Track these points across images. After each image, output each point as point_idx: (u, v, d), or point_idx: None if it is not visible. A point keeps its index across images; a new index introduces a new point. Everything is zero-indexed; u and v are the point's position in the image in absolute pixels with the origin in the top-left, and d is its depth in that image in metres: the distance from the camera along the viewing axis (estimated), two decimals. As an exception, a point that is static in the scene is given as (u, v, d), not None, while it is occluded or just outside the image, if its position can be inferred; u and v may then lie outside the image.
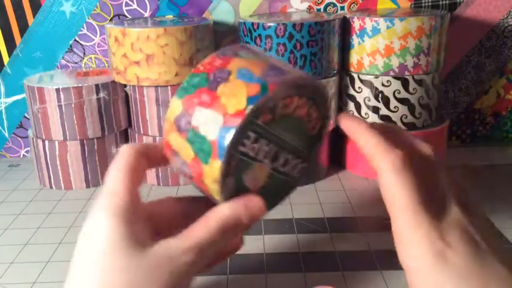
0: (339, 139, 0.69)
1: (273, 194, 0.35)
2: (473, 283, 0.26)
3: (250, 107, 0.29)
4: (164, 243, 0.28)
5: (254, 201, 0.32)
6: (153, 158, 0.33)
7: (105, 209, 0.29)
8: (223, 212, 0.30)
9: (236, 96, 0.30)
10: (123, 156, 0.32)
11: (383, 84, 0.62)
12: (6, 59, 0.73)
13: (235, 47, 0.33)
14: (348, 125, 0.33)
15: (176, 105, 0.31)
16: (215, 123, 0.30)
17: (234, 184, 0.32)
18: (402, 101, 0.63)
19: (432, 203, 0.29)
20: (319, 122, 0.35)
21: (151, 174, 0.66)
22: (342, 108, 0.67)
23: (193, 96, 0.31)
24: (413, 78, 0.62)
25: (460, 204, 0.30)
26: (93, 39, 0.72)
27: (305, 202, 0.59)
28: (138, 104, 0.64)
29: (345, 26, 0.64)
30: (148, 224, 0.30)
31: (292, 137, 0.35)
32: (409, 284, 0.27)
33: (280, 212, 0.56)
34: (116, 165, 0.32)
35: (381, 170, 0.30)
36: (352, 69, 0.65)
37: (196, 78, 0.31)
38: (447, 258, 0.26)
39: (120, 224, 0.28)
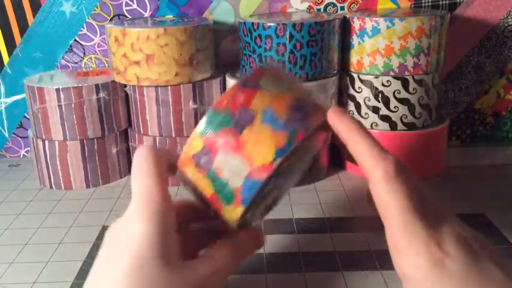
0: (339, 139, 0.69)
1: (269, 208, 0.38)
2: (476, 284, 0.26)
3: (278, 161, 0.29)
4: (194, 266, 0.29)
5: (262, 235, 0.35)
6: (172, 166, 0.33)
7: (143, 217, 0.28)
8: (246, 242, 0.33)
9: (263, 146, 0.29)
10: (149, 158, 0.31)
11: (383, 84, 0.62)
12: (6, 59, 0.73)
13: (257, 73, 0.31)
14: (338, 123, 0.32)
15: (197, 142, 0.31)
16: (239, 172, 0.30)
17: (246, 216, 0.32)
18: (402, 101, 0.63)
19: (426, 210, 0.29)
20: (324, 140, 0.36)
21: (151, 174, 0.66)
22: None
23: (217, 135, 0.30)
24: (413, 78, 0.62)
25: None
26: (93, 39, 0.72)
27: (305, 202, 0.59)
28: (138, 104, 0.64)
29: (345, 26, 0.64)
30: (177, 236, 0.31)
31: (301, 163, 0.35)
32: None
33: (280, 212, 0.56)
34: (143, 167, 0.30)
35: (373, 177, 0.29)
36: (352, 69, 0.65)
37: (220, 115, 0.30)
38: (445, 265, 0.26)
39: (157, 236, 0.28)
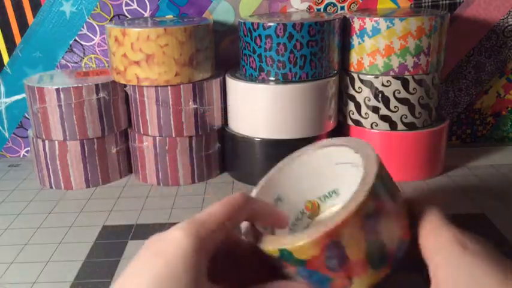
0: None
1: None
2: (493, 263, 0.28)
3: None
4: None
5: None
6: (262, 218, 0.34)
7: (188, 230, 0.29)
8: None
9: None
10: (236, 198, 0.32)
11: (383, 84, 0.62)
12: (6, 59, 0.73)
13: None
14: None
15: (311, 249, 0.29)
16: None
17: None
18: (402, 101, 0.63)
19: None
20: None
21: (150, 173, 0.66)
22: (341, 108, 0.67)
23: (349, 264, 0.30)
24: (413, 78, 0.62)
25: None
26: (93, 39, 0.72)
27: (305, 202, 0.59)
28: (138, 104, 0.64)
29: (345, 26, 0.64)
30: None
31: None
32: (438, 278, 0.29)
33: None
34: (224, 202, 0.32)
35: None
36: (352, 69, 0.65)
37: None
38: (467, 246, 0.29)
39: (193, 251, 0.28)
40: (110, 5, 0.70)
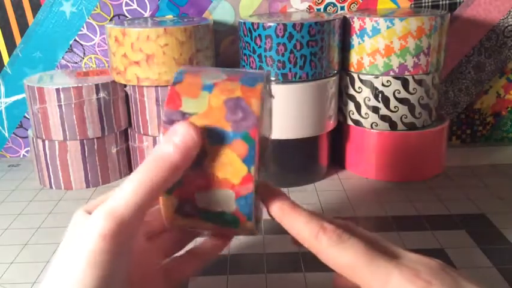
0: (339, 139, 0.69)
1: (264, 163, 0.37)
2: None
3: (252, 169, 0.28)
4: None
5: (227, 243, 0.36)
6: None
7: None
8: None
9: (230, 166, 0.28)
10: (161, 166, 0.27)
11: (383, 84, 0.62)
12: (6, 59, 0.73)
13: (174, 97, 0.29)
14: (282, 218, 0.31)
15: (170, 202, 0.29)
16: (227, 199, 0.29)
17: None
18: (402, 101, 0.63)
19: (384, 253, 0.29)
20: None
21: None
22: (341, 108, 0.67)
23: (184, 186, 0.29)
24: (413, 78, 0.62)
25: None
26: (93, 39, 0.72)
27: (305, 202, 0.59)
28: (138, 104, 0.64)
29: (345, 26, 0.64)
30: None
31: (266, 108, 0.35)
32: None
33: (280, 212, 0.56)
34: (153, 169, 0.27)
35: (318, 247, 0.29)
36: (352, 69, 0.65)
37: None
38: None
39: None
40: (110, 5, 0.70)
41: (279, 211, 0.31)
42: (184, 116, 0.29)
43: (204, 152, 0.28)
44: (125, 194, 0.26)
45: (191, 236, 0.37)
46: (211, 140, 0.28)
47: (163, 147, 0.27)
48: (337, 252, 0.28)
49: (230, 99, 0.29)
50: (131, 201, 0.26)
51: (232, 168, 0.28)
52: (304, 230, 0.29)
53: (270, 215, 0.31)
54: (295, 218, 0.30)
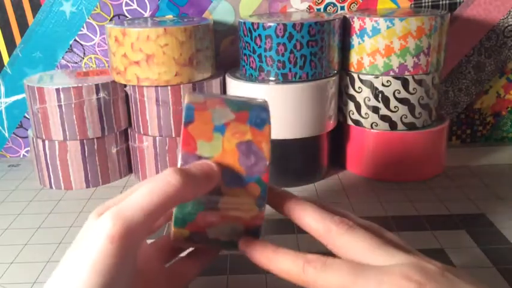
0: (339, 139, 0.69)
1: None
2: None
3: (263, 208, 0.31)
4: None
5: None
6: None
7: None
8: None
9: (243, 206, 0.31)
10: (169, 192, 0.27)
11: (383, 84, 0.62)
12: (6, 59, 0.73)
13: (188, 140, 0.30)
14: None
15: (181, 232, 0.32)
16: (238, 231, 0.32)
17: None
18: (402, 101, 0.63)
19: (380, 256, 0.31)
20: None
21: (150, 173, 0.66)
22: (341, 108, 0.67)
23: (196, 221, 0.31)
24: (413, 78, 0.62)
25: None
26: (93, 39, 0.72)
27: (305, 202, 0.59)
28: (138, 104, 0.64)
29: (345, 26, 0.64)
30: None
31: None
32: None
33: (280, 212, 0.56)
34: (162, 190, 0.27)
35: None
36: (352, 69, 0.65)
37: (187, 206, 0.30)
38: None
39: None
40: (110, 5, 0.70)
41: (264, 259, 0.32)
42: (200, 159, 0.30)
43: (220, 193, 0.30)
44: (136, 198, 0.26)
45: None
46: (226, 182, 0.30)
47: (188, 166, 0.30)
48: (325, 278, 0.29)
49: (242, 142, 0.31)
50: (142, 207, 0.26)
51: (245, 207, 0.31)
52: (293, 268, 0.31)
53: (256, 264, 0.33)
54: (282, 260, 0.31)
